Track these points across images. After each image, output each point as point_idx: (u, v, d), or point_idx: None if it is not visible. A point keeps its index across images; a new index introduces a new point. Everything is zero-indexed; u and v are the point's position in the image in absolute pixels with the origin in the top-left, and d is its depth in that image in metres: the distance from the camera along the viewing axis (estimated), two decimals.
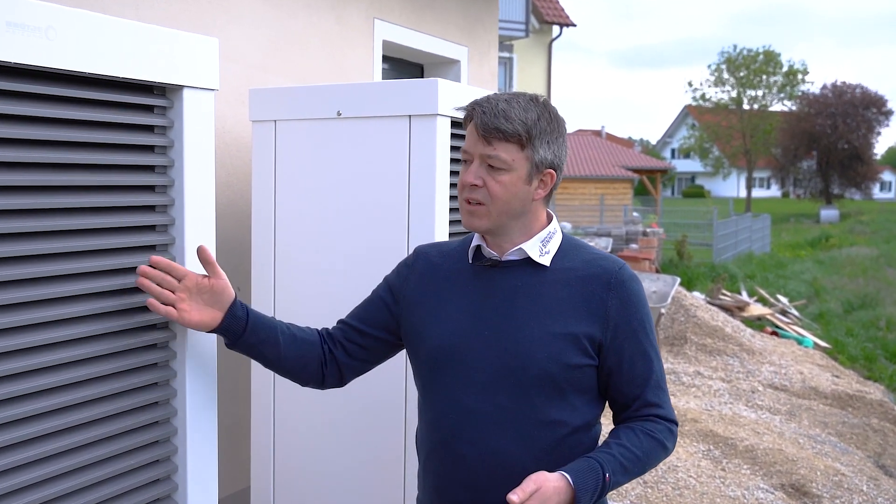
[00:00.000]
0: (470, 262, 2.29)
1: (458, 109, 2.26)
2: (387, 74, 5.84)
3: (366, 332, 2.42)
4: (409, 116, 3.19)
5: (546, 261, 2.21)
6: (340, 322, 2.50)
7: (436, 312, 2.29)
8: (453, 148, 3.27)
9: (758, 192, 73.59)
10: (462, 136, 3.29)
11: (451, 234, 3.26)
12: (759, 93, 55.19)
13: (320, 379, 2.42)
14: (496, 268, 2.25)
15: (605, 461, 2.08)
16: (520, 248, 2.21)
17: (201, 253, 2.14)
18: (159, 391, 2.27)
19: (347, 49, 5.10)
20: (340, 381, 2.46)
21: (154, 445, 2.28)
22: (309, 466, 3.46)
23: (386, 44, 5.50)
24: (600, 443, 2.23)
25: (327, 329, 2.47)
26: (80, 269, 2.04)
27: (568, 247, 2.27)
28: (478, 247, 2.28)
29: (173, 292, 2.10)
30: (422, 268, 2.39)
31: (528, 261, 2.22)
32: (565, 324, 2.15)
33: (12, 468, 1.91)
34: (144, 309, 2.20)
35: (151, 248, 2.23)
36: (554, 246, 2.24)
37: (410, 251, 3.14)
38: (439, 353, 2.24)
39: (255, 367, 3.53)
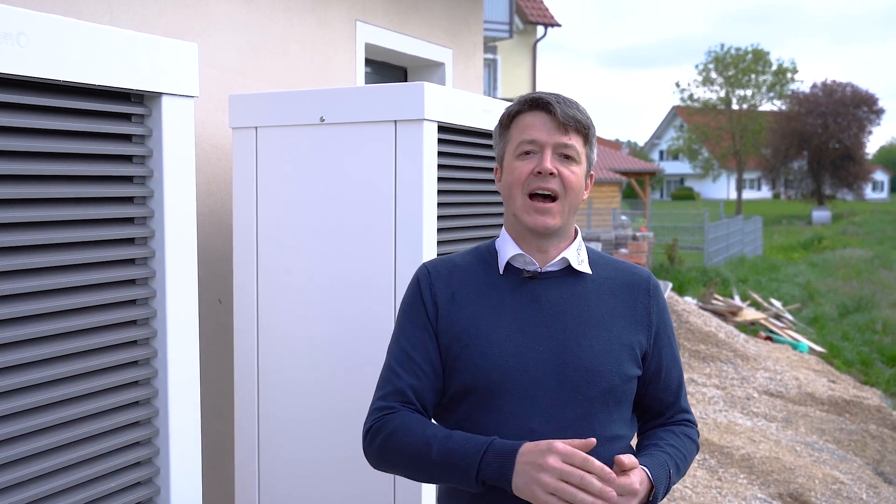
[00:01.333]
0: (501, 275, 2.21)
1: (518, 103, 2.20)
2: (370, 78, 5.85)
3: (434, 385, 2.19)
4: (395, 122, 3.19)
5: (586, 268, 2.18)
6: (404, 392, 2.16)
7: (477, 332, 2.16)
8: (441, 154, 3.27)
9: (748, 194, 74.04)
10: (452, 142, 3.31)
11: (439, 242, 3.25)
12: (748, 92, 55.58)
13: None
14: (535, 279, 2.19)
15: (666, 461, 2.09)
16: (563, 258, 2.16)
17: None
18: (142, 398, 2.27)
19: (329, 53, 5.11)
20: None
21: (137, 457, 2.28)
22: (297, 489, 3.46)
23: (369, 47, 5.50)
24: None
25: (411, 403, 2.17)
26: (57, 284, 2.06)
27: (595, 256, 2.26)
28: (512, 258, 2.19)
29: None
30: (444, 286, 2.24)
31: (568, 270, 2.18)
32: (619, 334, 2.14)
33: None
34: (124, 325, 2.21)
35: (131, 262, 2.24)
36: (585, 255, 2.22)
37: (397, 261, 3.12)
38: (490, 374, 2.10)
39: (239, 382, 3.55)
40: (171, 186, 2.29)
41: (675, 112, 70.26)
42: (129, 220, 2.24)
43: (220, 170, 4.27)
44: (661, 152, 79.23)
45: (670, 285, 11.19)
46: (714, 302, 13.90)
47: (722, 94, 55.82)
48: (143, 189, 2.25)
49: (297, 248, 3.42)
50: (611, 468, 1.90)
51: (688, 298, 14.15)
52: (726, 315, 13.16)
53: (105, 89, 2.14)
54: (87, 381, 2.14)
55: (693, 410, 8.14)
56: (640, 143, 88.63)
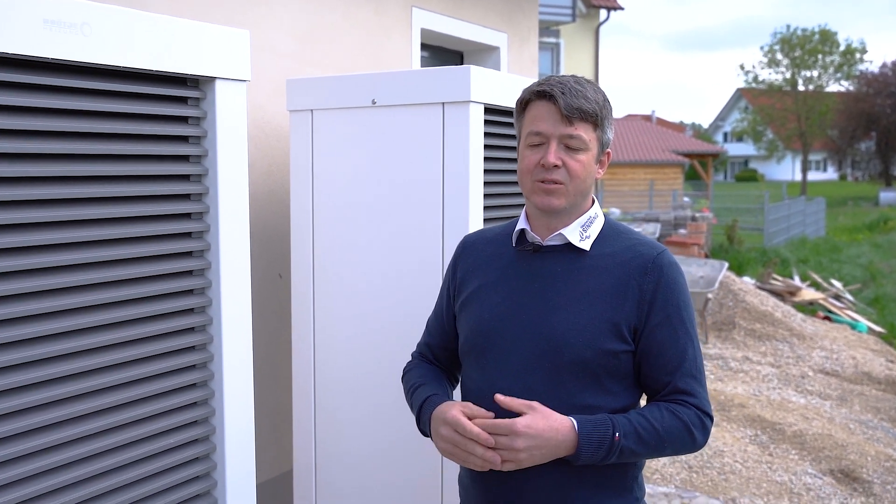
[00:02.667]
0: (514, 245, 2.32)
1: (528, 91, 2.25)
2: (426, 62, 5.87)
3: (447, 345, 2.49)
4: (443, 104, 3.22)
5: (586, 245, 2.23)
6: (425, 346, 2.56)
7: (478, 296, 2.31)
8: (487, 134, 3.30)
9: (813, 175, 72.43)
10: (497, 123, 3.35)
11: (485, 219, 3.30)
12: (815, 73, 54.33)
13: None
14: (538, 252, 2.27)
15: (618, 422, 2.09)
16: (559, 234, 2.23)
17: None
18: (199, 381, 2.37)
19: (385, 39, 5.12)
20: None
21: (194, 435, 2.38)
22: (349, 448, 3.52)
23: (424, 32, 5.52)
24: None
25: (426, 355, 2.56)
26: (119, 255, 2.14)
27: (610, 231, 2.29)
28: (522, 231, 2.30)
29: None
30: (467, 256, 2.43)
31: (570, 246, 2.24)
32: (603, 310, 2.17)
33: (75, 439, 2.02)
34: (179, 294, 2.31)
35: (187, 236, 2.32)
36: (595, 230, 2.26)
37: (445, 236, 3.20)
38: (478, 335, 2.26)
39: (296, 351, 3.62)
40: (224, 164, 2.36)
41: (740, 94, 68.97)
42: (185, 197, 2.32)
43: (279, 152, 4.35)
44: (726, 134, 77.86)
45: (726, 265, 11.06)
46: (772, 282, 13.72)
47: (788, 75, 54.64)
48: (199, 167, 2.32)
49: (349, 224, 3.46)
50: None
51: (746, 278, 14.00)
52: (784, 295, 12.99)
53: (162, 74, 2.21)
54: (148, 364, 2.23)
55: (746, 388, 8.17)
56: (705, 125, 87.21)
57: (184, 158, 2.31)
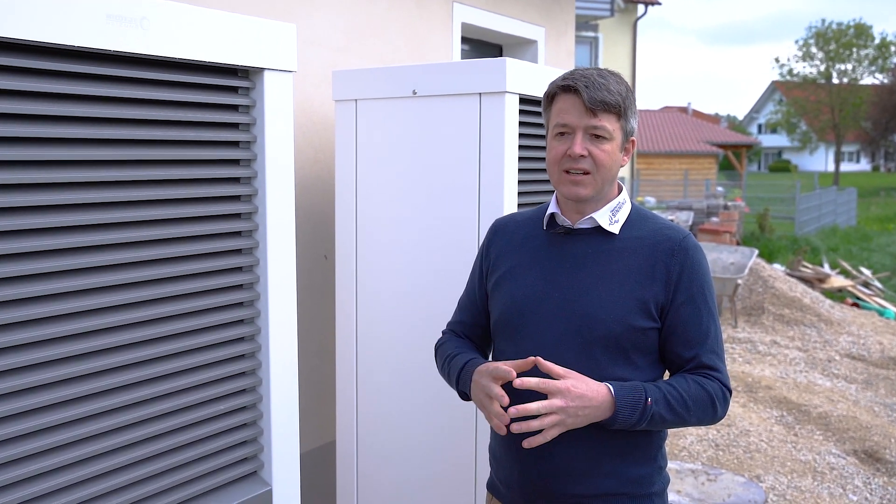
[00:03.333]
0: (544, 228, 2.37)
1: (554, 85, 2.27)
2: (466, 55, 5.88)
3: (479, 322, 2.53)
4: (480, 94, 3.24)
5: (615, 229, 2.27)
6: (457, 323, 2.59)
7: (512, 276, 2.36)
8: (521, 123, 3.32)
9: (846, 166, 71.38)
10: (531, 112, 3.36)
11: (519, 205, 3.32)
12: (849, 66, 53.46)
13: None
14: (569, 235, 2.31)
15: (650, 389, 2.14)
16: (591, 217, 2.27)
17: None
18: (246, 352, 2.43)
19: (427, 32, 5.13)
20: None
21: (242, 402, 2.43)
22: (389, 418, 3.57)
23: (465, 26, 5.54)
24: None
25: (457, 332, 2.59)
26: (172, 234, 2.19)
27: (637, 217, 2.32)
28: (552, 214, 2.35)
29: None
30: (499, 238, 2.47)
31: (599, 229, 2.28)
32: (631, 288, 2.21)
33: (137, 422, 2.10)
34: (228, 271, 2.36)
35: (237, 216, 2.37)
36: (623, 215, 2.30)
37: (480, 221, 3.23)
38: (513, 313, 2.30)
39: (340, 327, 3.67)
40: (271, 150, 2.40)
41: (775, 87, 68.00)
42: (234, 180, 2.36)
43: (325, 140, 4.38)
44: (760, 126, 76.93)
45: (756, 252, 10.98)
46: (802, 269, 13.60)
47: (822, 68, 53.82)
48: (248, 153, 2.36)
49: (390, 208, 3.50)
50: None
51: (776, 266, 13.89)
52: (813, 282, 12.88)
53: (214, 65, 2.25)
54: (199, 336, 2.29)
55: (774, 371, 8.14)
56: (740, 117, 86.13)
57: (234, 144, 2.35)
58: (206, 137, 2.25)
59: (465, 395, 2.37)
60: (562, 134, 2.23)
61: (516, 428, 2.06)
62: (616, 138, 2.22)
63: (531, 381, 2.05)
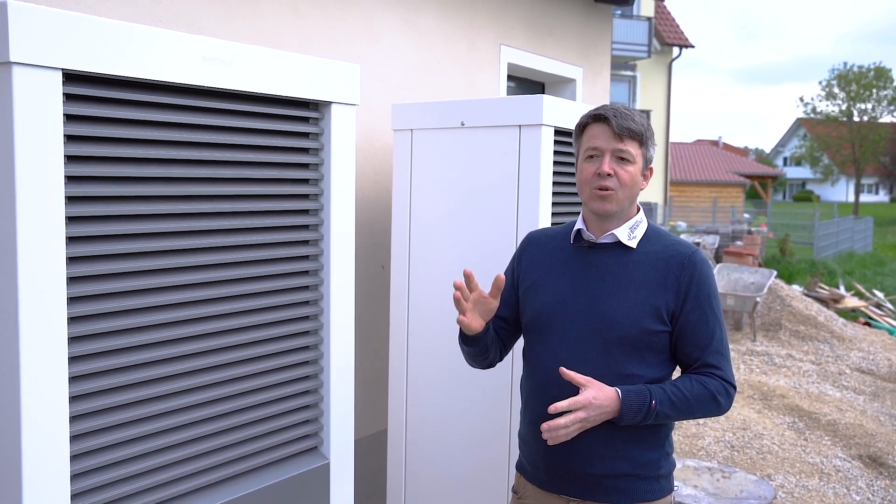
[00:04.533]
0: (571, 242, 2.43)
1: (585, 116, 2.34)
2: (511, 91, 5.92)
3: (507, 317, 2.58)
4: (520, 126, 3.28)
5: (633, 244, 2.33)
6: (492, 322, 2.58)
7: (542, 283, 2.40)
8: (556, 152, 3.35)
9: (865, 197, 69.86)
10: (563, 143, 3.39)
11: (552, 223, 3.35)
12: (869, 106, 52.39)
13: (498, 361, 2.59)
14: (592, 248, 2.37)
15: (655, 392, 2.19)
16: (612, 233, 2.33)
17: (497, 280, 2.29)
18: (311, 344, 2.51)
19: (477, 71, 5.17)
20: (500, 360, 2.62)
21: (305, 387, 2.52)
22: (435, 409, 3.60)
23: (511, 66, 5.57)
24: None
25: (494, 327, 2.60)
26: (252, 241, 2.29)
27: (652, 234, 2.38)
28: (578, 230, 2.40)
29: (466, 301, 2.32)
30: (531, 249, 2.51)
31: (619, 244, 2.33)
32: (646, 296, 2.26)
33: (216, 399, 2.22)
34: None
35: (305, 228, 2.46)
36: (640, 232, 2.36)
37: (518, 236, 3.26)
38: (543, 315, 2.36)
39: (393, 329, 3.70)
40: (336, 172, 2.48)
41: (799, 123, 66.72)
42: (304, 197, 2.44)
43: (384, 164, 4.42)
44: (785, 159, 75.52)
45: (774, 273, 10.88)
46: (818, 290, 13.40)
47: (843, 107, 52.83)
48: (317, 173, 2.45)
49: (439, 223, 3.52)
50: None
51: (794, 286, 13.69)
52: (829, 302, 12.68)
53: (290, 99, 2.35)
54: (273, 329, 2.38)
55: (788, 381, 8.08)
56: (767, 150, 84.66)
57: (305, 166, 2.44)
58: (282, 160, 2.34)
59: (462, 336, 2.43)
60: (592, 157, 2.29)
61: (546, 427, 2.14)
62: (638, 162, 2.29)
63: (562, 405, 2.12)
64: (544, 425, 2.14)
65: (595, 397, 2.14)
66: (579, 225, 2.41)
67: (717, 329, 2.30)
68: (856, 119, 52.11)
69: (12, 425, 1.80)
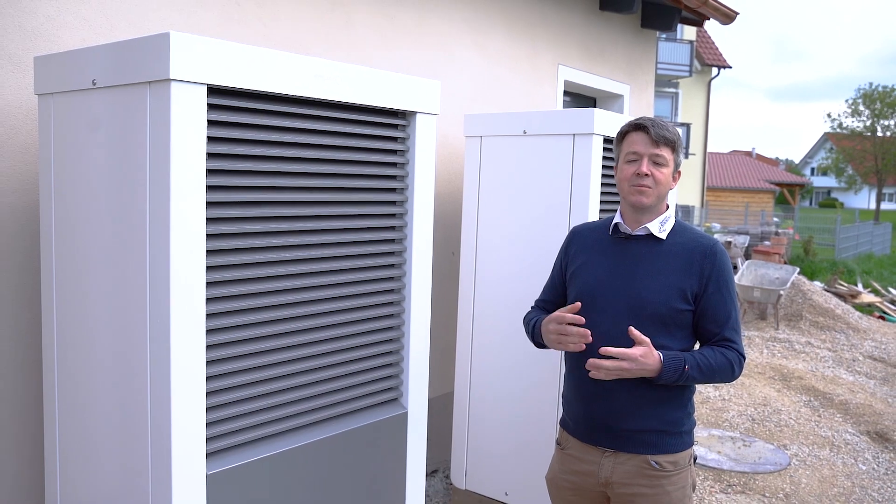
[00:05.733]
0: (610, 234, 2.45)
1: (626, 125, 2.37)
2: (567, 105, 5.92)
3: (555, 300, 2.61)
4: (573, 135, 3.32)
5: (663, 236, 2.35)
6: (542, 301, 2.65)
7: (585, 267, 2.43)
8: (604, 157, 3.37)
9: (886, 205, 67.39)
10: (611, 149, 3.41)
11: (599, 218, 3.40)
12: (892, 122, 50.55)
13: None
14: (628, 239, 2.39)
15: (687, 358, 2.24)
16: (645, 227, 2.36)
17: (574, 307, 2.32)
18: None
19: (538, 87, 5.18)
20: None
21: (389, 348, 2.58)
22: (495, 373, 3.65)
23: (567, 83, 5.60)
24: None
25: (540, 307, 2.66)
26: (352, 226, 2.34)
27: (679, 227, 2.40)
28: (616, 224, 2.42)
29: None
30: (577, 240, 2.54)
31: (651, 235, 2.36)
32: (673, 280, 2.29)
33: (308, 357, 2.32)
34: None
35: (392, 216, 2.51)
36: (669, 226, 2.39)
37: (570, 228, 3.34)
38: (586, 294, 2.38)
39: (462, 305, 3.75)
40: (419, 171, 2.53)
41: (826, 137, 64.75)
42: (392, 190, 2.50)
43: (457, 165, 4.48)
44: (813, 169, 73.35)
45: (797, 269, 10.69)
46: (838, 286, 13.12)
47: (868, 123, 51.10)
48: (403, 171, 2.51)
49: (502, 217, 3.55)
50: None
51: (816, 283, 13.42)
52: (847, 297, 12.39)
53: (384, 109, 2.41)
54: (366, 298, 2.44)
55: (806, 365, 7.99)
56: (796, 161, 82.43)
57: (394, 164, 2.49)
58: (376, 159, 2.42)
59: (540, 345, 2.49)
60: (632, 161, 2.35)
61: (591, 363, 2.21)
62: (670, 166, 2.34)
63: (613, 351, 2.19)
64: (591, 362, 2.20)
65: (643, 355, 2.20)
66: (617, 219, 2.44)
67: (733, 310, 2.33)
68: (879, 134, 50.37)
69: (163, 366, 1.94)
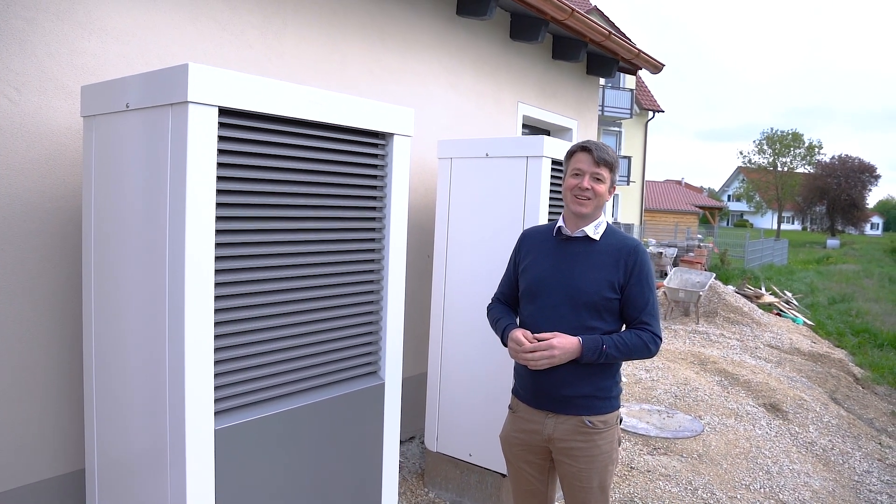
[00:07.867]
0: (554, 236, 2.41)
1: (575, 146, 2.33)
2: (525, 135, 5.85)
3: (512, 293, 2.54)
4: (527, 157, 3.26)
5: (597, 237, 2.32)
6: (500, 293, 2.58)
7: (533, 263, 2.39)
8: (552, 176, 3.31)
9: (785, 226, 68.18)
10: (557, 169, 3.35)
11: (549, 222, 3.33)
12: (788, 159, 51.19)
13: None
14: (568, 240, 2.36)
15: (605, 339, 2.22)
16: (582, 230, 2.33)
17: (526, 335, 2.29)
18: (374, 298, 2.51)
19: (501, 119, 5.15)
20: None
21: (369, 329, 2.52)
22: (462, 356, 3.56)
23: (525, 117, 5.56)
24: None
25: (499, 299, 2.59)
26: (338, 227, 2.28)
27: (610, 231, 2.36)
28: (559, 227, 2.39)
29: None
30: (527, 241, 2.49)
31: (587, 237, 2.33)
32: (605, 274, 2.26)
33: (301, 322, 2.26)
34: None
35: (372, 220, 2.44)
36: (601, 230, 2.34)
37: (522, 231, 3.27)
38: (533, 286, 2.35)
39: (434, 298, 3.64)
40: (395, 186, 2.47)
41: (739, 170, 65.47)
42: (373, 198, 2.44)
43: (431, 181, 4.40)
44: (729, 195, 73.96)
45: (714, 275, 10.73)
46: (745, 289, 13.19)
47: (770, 160, 51.70)
48: (383, 182, 2.45)
49: (468, 225, 3.48)
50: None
51: (729, 286, 13.48)
52: (752, 298, 12.46)
53: (366, 130, 2.36)
54: (351, 287, 2.38)
55: (719, 352, 7.99)
56: (716, 189, 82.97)
57: (375, 177, 2.44)
58: (359, 172, 2.36)
59: (504, 343, 2.43)
60: (576, 174, 2.31)
61: (523, 360, 2.21)
62: (607, 182, 2.31)
63: (540, 344, 2.20)
64: (523, 357, 2.22)
65: (559, 341, 2.18)
66: (560, 223, 2.40)
67: (651, 298, 2.29)
68: (779, 169, 50.98)
69: (179, 337, 1.89)
